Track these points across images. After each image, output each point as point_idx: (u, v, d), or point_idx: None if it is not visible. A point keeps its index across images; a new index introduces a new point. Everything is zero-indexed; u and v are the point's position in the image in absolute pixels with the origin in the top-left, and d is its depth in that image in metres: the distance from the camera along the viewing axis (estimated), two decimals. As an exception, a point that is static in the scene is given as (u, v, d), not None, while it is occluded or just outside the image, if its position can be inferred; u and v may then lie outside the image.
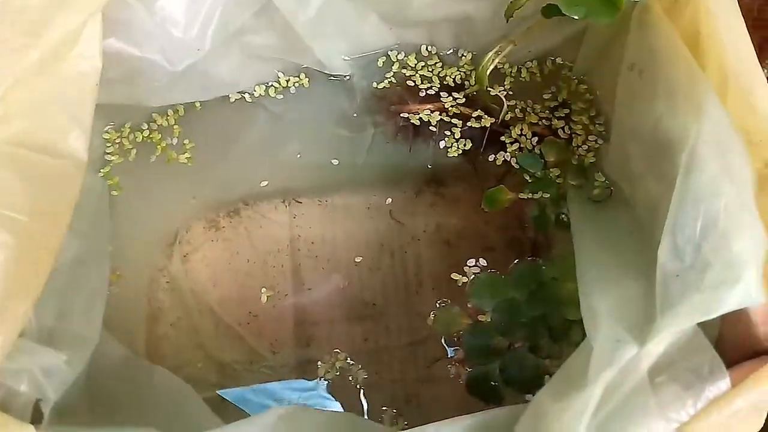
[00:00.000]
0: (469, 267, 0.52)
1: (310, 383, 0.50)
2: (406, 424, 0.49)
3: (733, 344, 0.34)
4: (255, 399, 0.50)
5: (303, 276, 0.54)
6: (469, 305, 0.50)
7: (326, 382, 0.51)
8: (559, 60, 0.56)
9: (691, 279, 0.34)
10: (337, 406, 0.50)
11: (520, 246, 0.53)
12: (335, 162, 0.56)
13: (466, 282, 0.51)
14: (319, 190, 0.56)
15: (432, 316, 0.51)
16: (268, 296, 0.53)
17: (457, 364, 0.48)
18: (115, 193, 0.54)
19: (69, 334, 0.36)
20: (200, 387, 0.49)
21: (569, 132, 0.53)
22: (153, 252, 0.54)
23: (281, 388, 0.50)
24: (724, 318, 0.34)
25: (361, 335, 0.52)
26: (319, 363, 0.51)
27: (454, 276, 0.52)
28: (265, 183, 0.56)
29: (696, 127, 0.36)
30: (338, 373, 0.51)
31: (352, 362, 0.51)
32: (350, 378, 0.51)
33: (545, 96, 0.55)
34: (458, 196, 0.55)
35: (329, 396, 0.50)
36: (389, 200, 0.55)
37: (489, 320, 0.47)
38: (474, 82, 0.55)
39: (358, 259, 0.54)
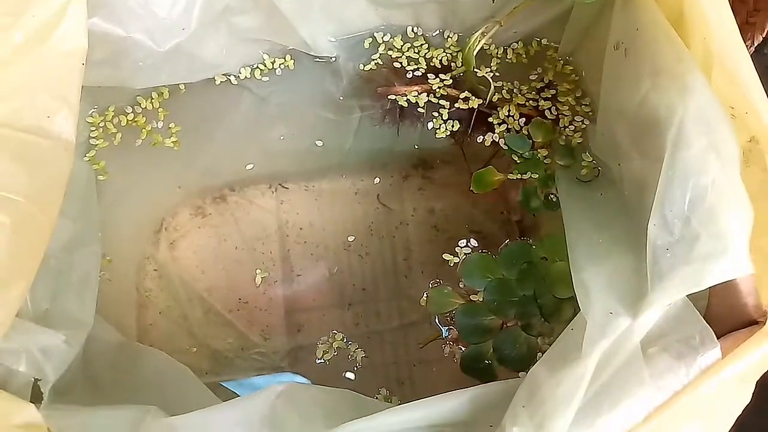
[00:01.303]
0: (461, 247, 0.52)
1: (298, 377, 0.50)
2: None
3: (722, 315, 0.35)
4: (241, 393, 0.50)
5: (292, 262, 0.54)
6: (461, 285, 0.50)
7: (323, 361, 0.51)
8: (544, 41, 0.56)
9: (681, 252, 0.34)
10: None
11: (509, 228, 0.54)
12: (321, 145, 0.56)
13: (458, 262, 0.51)
14: (306, 175, 0.56)
15: (425, 296, 0.51)
16: (262, 278, 0.53)
17: (450, 343, 0.49)
18: (101, 177, 0.53)
19: (64, 316, 0.36)
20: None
21: (556, 113, 0.54)
22: (140, 239, 0.54)
23: (268, 382, 0.50)
24: (712, 289, 0.35)
25: (352, 320, 0.52)
26: (318, 343, 0.51)
27: (446, 256, 0.52)
28: (250, 166, 0.55)
29: (682, 104, 0.36)
30: (336, 354, 0.51)
31: (350, 341, 0.51)
32: (349, 357, 0.51)
33: (531, 77, 0.56)
34: (446, 180, 0.56)
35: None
36: (377, 183, 0.55)
37: (481, 300, 0.48)
38: (461, 64, 0.55)
39: (346, 245, 0.54)
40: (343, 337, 0.52)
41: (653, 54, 0.40)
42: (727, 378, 0.32)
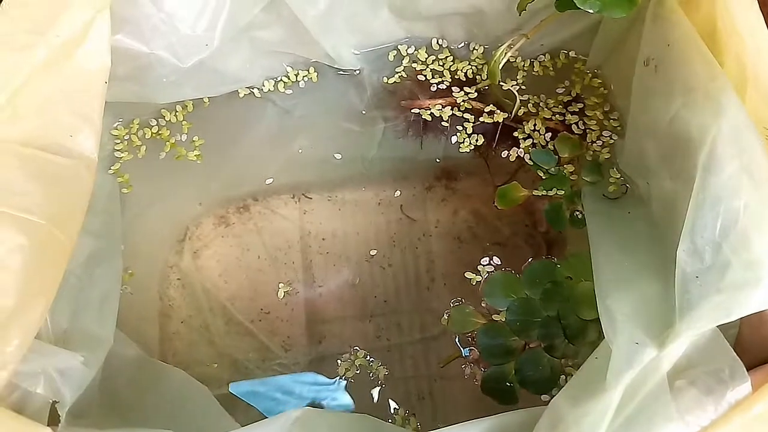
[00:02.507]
0: (483, 266, 0.51)
1: (320, 377, 0.50)
2: (418, 425, 0.48)
3: (754, 346, 0.34)
4: (265, 392, 0.49)
5: (314, 272, 0.54)
6: (483, 304, 0.49)
7: (345, 380, 0.50)
8: (572, 53, 0.55)
9: (711, 280, 0.33)
10: (348, 401, 0.49)
11: (533, 241, 0.53)
12: (343, 156, 0.55)
13: (480, 281, 0.51)
14: (329, 186, 0.55)
15: (446, 315, 0.50)
16: (285, 292, 0.52)
17: (471, 364, 0.48)
18: (125, 191, 0.53)
19: (83, 335, 0.36)
20: (213, 384, 0.49)
21: (583, 127, 0.52)
22: (163, 249, 0.54)
23: (291, 381, 0.50)
24: (744, 318, 0.33)
25: (373, 332, 0.52)
26: (339, 361, 0.50)
27: (468, 275, 0.51)
28: (270, 180, 0.55)
29: (715, 125, 0.35)
30: (358, 371, 0.50)
31: (372, 359, 0.51)
32: (370, 375, 0.50)
33: (558, 90, 0.54)
34: (469, 191, 0.55)
35: (340, 389, 0.50)
36: (400, 195, 0.55)
37: (503, 320, 0.47)
38: (486, 77, 0.54)
39: (369, 256, 0.53)
40: (366, 354, 0.51)
41: (685, 71, 0.39)
42: (758, 414, 0.31)
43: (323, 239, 0.54)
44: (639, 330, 0.34)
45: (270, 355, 0.52)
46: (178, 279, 0.54)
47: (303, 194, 0.55)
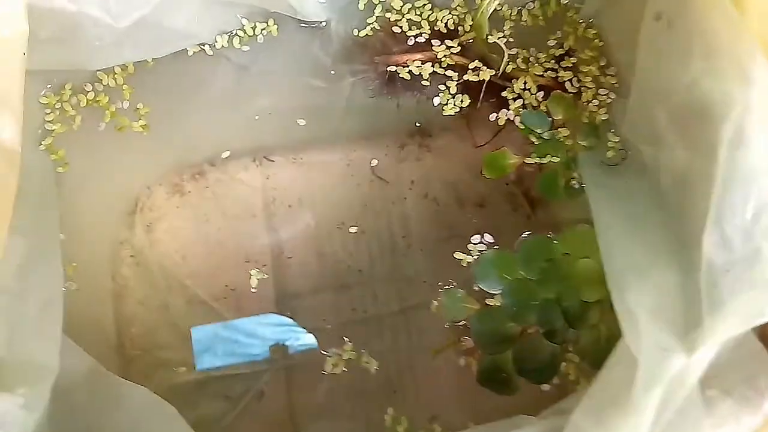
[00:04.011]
0: (474, 244, 0.47)
1: (284, 318, 0.48)
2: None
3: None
4: (228, 335, 0.48)
5: (281, 243, 0.49)
6: (475, 288, 0.45)
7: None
8: (564, 0, 0.49)
9: (743, 273, 0.30)
10: (312, 341, 0.47)
11: (514, 200, 0.49)
12: (309, 117, 0.50)
13: (471, 262, 0.46)
14: (293, 147, 0.51)
15: (435, 303, 0.46)
16: (249, 264, 0.49)
17: (466, 354, 0.44)
18: (60, 169, 0.47)
19: (22, 366, 0.30)
20: (179, 371, 0.47)
21: (578, 85, 0.48)
22: (111, 224, 0.49)
23: (254, 323, 0.48)
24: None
25: (347, 305, 0.49)
26: (327, 356, 0.47)
27: (458, 255, 0.47)
28: (227, 147, 0.50)
29: (742, 94, 0.31)
30: (345, 369, 0.47)
31: (362, 351, 0.47)
32: (363, 367, 0.47)
33: (550, 43, 0.49)
34: (445, 149, 0.50)
35: (303, 330, 0.48)
36: (369, 155, 0.50)
37: (498, 304, 0.43)
38: (469, 28, 0.48)
39: (340, 222, 0.50)
40: (353, 346, 0.47)
41: (704, 30, 0.34)
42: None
43: (289, 206, 0.50)
44: (664, 333, 0.30)
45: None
46: (131, 256, 0.49)
47: (265, 157, 0.51)
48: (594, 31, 0.49)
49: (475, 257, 0.46)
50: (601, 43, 0.48)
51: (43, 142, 0.46)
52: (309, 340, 0.47)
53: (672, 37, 0.37)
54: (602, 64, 0.48)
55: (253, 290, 0.48)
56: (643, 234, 0.38)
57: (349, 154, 0.50)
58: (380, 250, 0.49)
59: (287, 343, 0.48)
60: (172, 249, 0.49)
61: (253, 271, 0.48)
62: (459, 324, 0.46)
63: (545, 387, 0.43)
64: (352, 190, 0.50)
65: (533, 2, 0.49)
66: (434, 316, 0.47)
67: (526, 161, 0.46)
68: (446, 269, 0.47)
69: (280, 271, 0.49)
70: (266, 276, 0.48)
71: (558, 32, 0.49)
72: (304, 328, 0.47)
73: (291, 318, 0.48)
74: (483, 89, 0.49)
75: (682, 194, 0.37)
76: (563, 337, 0.42)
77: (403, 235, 0.49)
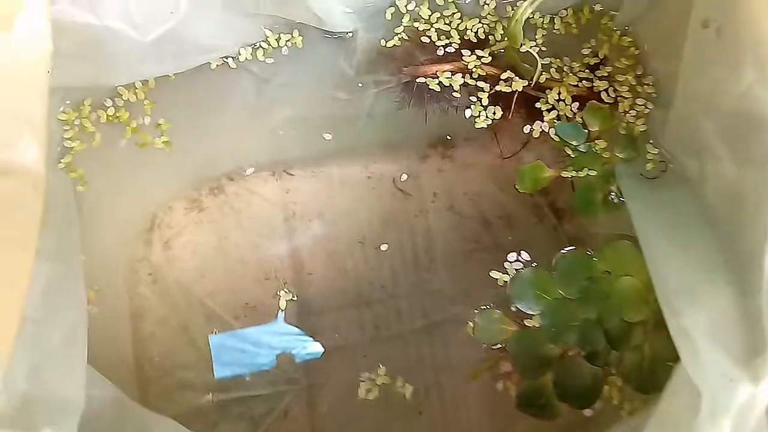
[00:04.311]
0: (510, 263, 0.45)
1: (291, 327, 0.47)
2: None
3: None
4: (233, 344, 0.47)
5: (302, 259, 0.48)
6: (512, 308, 0.44)
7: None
8: (598, 7, 0.47)
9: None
10: (319, 349, 0.46)
11: (541, 212, 0.48)
12: (332, 130, 0.49)
13: (507, 281, 0.45)
14: (313, 160, 0.49)
15: (470, 324, 0.45)
16: (269, 279, 0.47)
17: (505, 379, 0.43)
18: (80, 188, 0.46)
19: (48, 399, 0.28)
20: (199, 392, 0.45)
21: (614, 95, 0.46)
22: (128, 241, 0.48)
23: (261, 332, 0.47)
24: None
25: (371, 322, 0.47)
26: (360, 381, 0.45)
27: (494, 274, 0.45)
28: (250, 156, 0.49)
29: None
30: (380, 394, 0.45)
31: (397, 375, 0.46)
32: (398, 392, 0.45)
33: (584, 51, 0.47)
34: (468, 159, 0.49)
35: (310, 338, 0.46)
36: (390, 167, 0.49)
37: (537, 325, 0.41)
38: (500, 37, 0.47)
39: (361, 237, 0.48)
40: (387, 371, 0.46)
41: (757, 38, 0.33)
42: None
43: (309, 220, 0.49)
44: (727, 360, 0.28)
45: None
46: (149, 274, 0.48)
47: (284, 171, 0.49)
48: (630, 39, 0.47)
49: (512, 276, 0.44)
50: (637, 52, 0.47)
51: (62, 161, 0.45)
52: (315, 348, 0.46)
53: (721, 45, 0.35)
54: (638, 73, 0.46)
55: (273, 308, 0.47)
56: (693, 251, 0.36)
57: (369, 166, 0.49)
58: (403, 265, 0.48)
59: (293, 351, 0.46)
60: (190, 266, 0.48)
61: (273, 289, 0.47)
62: (483, 343, 0.45)
63: (587, 412, 0.41)
64: (374, 203, 0.49)
65: (566, 10, 0.48)
66: (460, 332, 0.45)
67: (562, 174, 0.45)
68: (471, 284, 0.46)
69: (300, 287, 0.48)
70: (295, 298, 0.47)
71: (592, 40, 0.48)
72: (325, 346, 0.46)
73: (312, 337, 0.47)
74: (514, 100, 0.47)
75: (733, 210, 0.35)
76: (605, 359, 0.40)
77: (425, 249, 0.48)
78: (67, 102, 0.45)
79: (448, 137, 0.48)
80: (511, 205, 0.48)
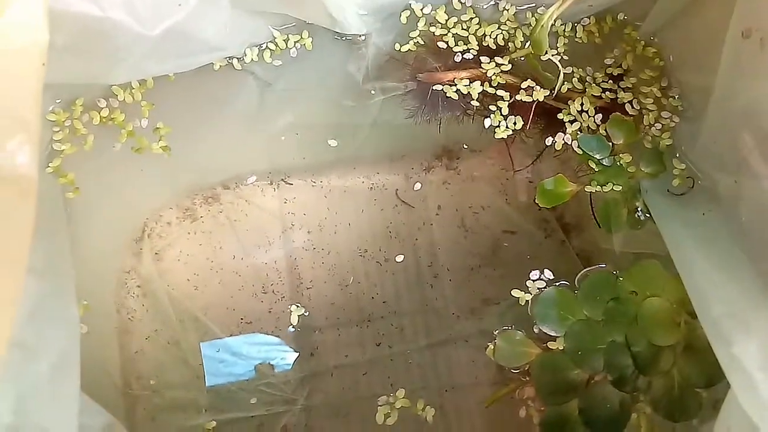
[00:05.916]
0: (533, 281, 0.43)
1: (269, 338, 0.45)
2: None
3: None
4: (212, 354, 0.45)
5: (300, 273, 0.46)
6: (535, 330, 0.41)
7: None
8: (621, 16, 0.46)
9: None
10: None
11: (548, 227, 0.46)
12: (337, 139, 0.47)
13: (528, 300, 0.42)
14: (312, 169, 0.47)
15: (490, 345, 0.42)
16: (267, 296, 0.45)
17: (529, 404, 0.40)
18: (70, 195, 0.43)
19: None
20: (189, 413, 0.43)
21: (638, 107, 0.44)
22: (116, 252, 0.46)
23: (240, 342, 0.45)
24: None
25: (372, 339, 0.45)
26: (378, 405, 0.43)
27: (516, 293, 0.43)
28: (248, 163, 0.47)
29: None
30: (398, 417, 0.43)
31: (418, 397, 0.43)
32: (418, 415, 0.43)
33: (606, 62, 0.45)
34: (474, 171, 0.47)
35: (290, 349, 0.45)
36: (393, 177, 0.47)
37: (561, 348, 0.39)
38: (520, 44, 0.45)
39: (362, 250, 0.46)
40: (405, 393, 0.44)
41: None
42: None
43: (309, 232, 0.47)
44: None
45: (255, 375, 0.45)
46: (138, 286, 0.46)
47: (282, 180, 0.47)
48: (654, 50, 0.45)
49: (533, 294, 0.42)
50: (661, 63, 0.45)
51: (50, 164, 0.42)
52: (293, 358, 0.45)
53: (765, 55, 0.34)
54: (663, 85, 0.45)
55: (270, 324, 0.45)
56: (733, 273, 0.34)
57: (371, 176, 0.48)
58: (406, 280, 0.46)
59: (272, 362, 0.45)
60: (182, 279, 0.46)
61: (270, 303, 0.45)
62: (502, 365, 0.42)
63: (617, 441, 0.39)
64: (376, 215, 0.47)
65: (588, 18, 0.46)
66: (465, 351, 0.44)
67: (586, 189, 0.42)
68: (477, 301, 0.44)
69: (300, 303, 0.46)
70: (284, 308, 0.45)
71: (615, 50, 0.46)
72: (324, 364, 0.44)
73: (310, 354, 0.45)
74: (533, 110, 0.45)
75: (770, 229, 0.33)
76: (633, 385, 0.38)
77: (429, 264, 0.46)
78: (58, 101, 0.42)
79: (464, 146, 0.46)
80: (516, 218, 0.46)
